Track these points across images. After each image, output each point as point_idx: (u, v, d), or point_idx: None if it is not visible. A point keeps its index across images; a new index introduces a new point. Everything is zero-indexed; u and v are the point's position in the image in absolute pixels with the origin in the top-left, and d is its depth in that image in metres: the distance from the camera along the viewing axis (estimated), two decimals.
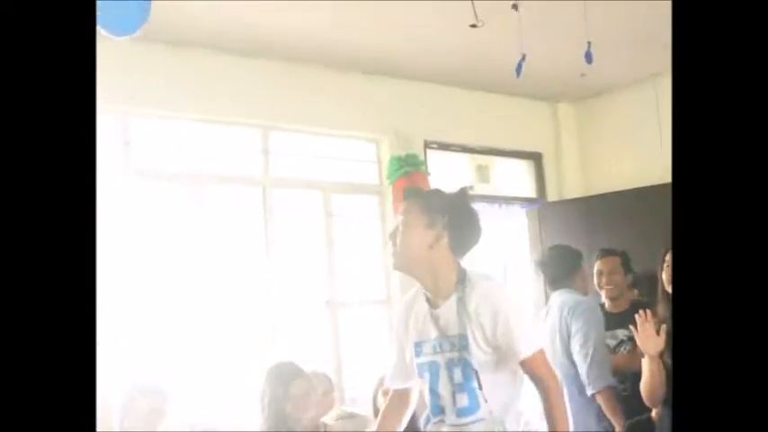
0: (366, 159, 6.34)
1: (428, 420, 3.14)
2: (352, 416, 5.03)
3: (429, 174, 6.23)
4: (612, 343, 5.02)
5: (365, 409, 5.26)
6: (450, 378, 2.99)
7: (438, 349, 3.01)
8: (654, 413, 4.44)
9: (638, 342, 3.85)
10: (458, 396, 2.98)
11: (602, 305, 5.23)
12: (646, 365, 3.88)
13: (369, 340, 6.08)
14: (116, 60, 4.98)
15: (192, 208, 5.43)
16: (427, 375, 3.04)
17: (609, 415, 4.50)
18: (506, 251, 7.01)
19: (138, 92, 5.13)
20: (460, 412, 2.98)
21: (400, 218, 3.07)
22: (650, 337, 3.81)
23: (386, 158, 6.23)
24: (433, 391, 3.03)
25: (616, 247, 5.37)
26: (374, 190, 6.29)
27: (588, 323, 4.54)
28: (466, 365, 2.95)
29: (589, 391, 4.46)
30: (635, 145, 6.82)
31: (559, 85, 6.74)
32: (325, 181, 6.04)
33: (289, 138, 5.95)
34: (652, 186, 6.34)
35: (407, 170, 6.07)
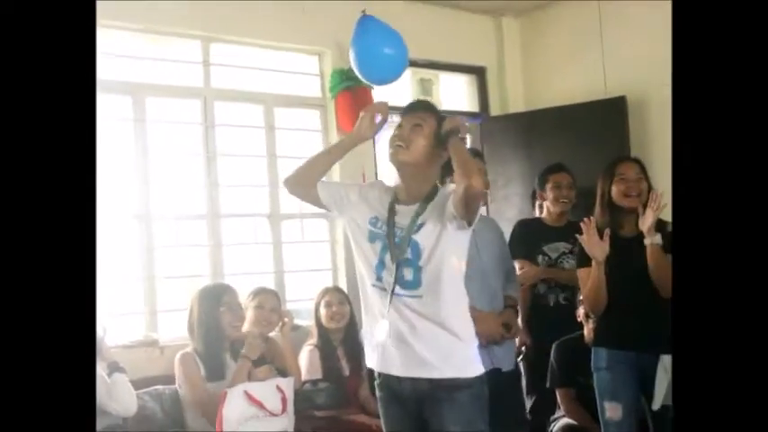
0: (308, 72, 6.28)
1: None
2: (294, 328, 5.08)
3: (372, 88, 6.18)
4: (554, 255, 5.14)
5: (307, 321, 5.32)
6: (400, 252, 3.23)
7: (391, 227, 3.28)
8: (585, 330, 4.55)
9: (587, 248, 3.96)
10: (404, 270, 3.23)
11: (540, 219, 5.33)
12: (592, 273, 3.99)
13: (310, 253, 6.10)
14: None
15: (132, 119, 5.35)
16: (379, 244, 3.29)
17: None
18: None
19: None
20: (404, 285, 3.23)
21: (415, 120, 3.31)
22: (596, 243, 3.95)
23: (328, 72, 6.18)
24: (380, 261, 3.28)
25: (558, 160, 5.46)
26: (316, 103, 6.24)
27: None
28: (415, 245, 3.21)
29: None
30: (578, 60, 6.84)
31: None
32: (268, 93, 5.99)
33: (230, 50, 5.87)
34: (594, 102, 6.40)
35: (349, 84, 6.02)
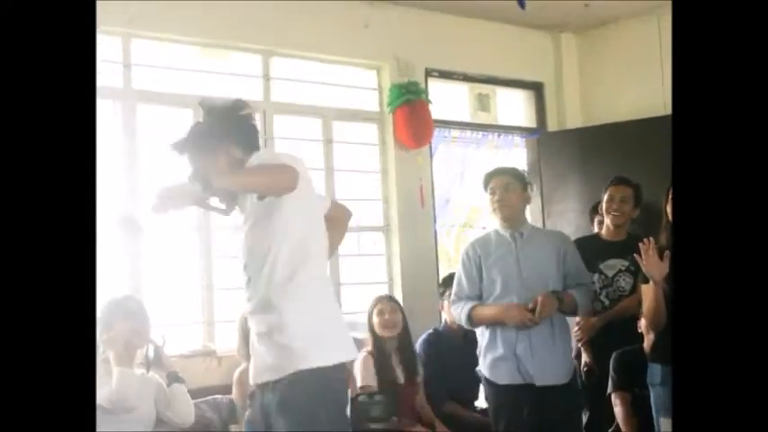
0: (367, 86, 6.33)
1: None
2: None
3: (430, 102, 6.22)
4: (611, 273, 5.05)
5: (363, 334, 5.34)
6: None
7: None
8: (645, 343, 4.52)
9: (644, 269, 3.91)
10: None
11: (597, 235, 5.28)
12: (651, 292, 3.94)
13: (367, 266, 6.13)
14: None
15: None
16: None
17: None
18: None
19: (137, 15, 5.11)
20: None
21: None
22: (655, 263, 3.88)
23: (387, 86, 6.22)
24: None
25: (615, 176, 5.40)
26: (374, 117, 6.29)
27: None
28: None
29: None
30: (636, 76, 6.80)
31: (562, 14, 6.70)
32: (326, 107, 6.04)
33: (290, 63, 5.94)
34: (652, 118, 6.35)
35: (408, 98, 6.05)
